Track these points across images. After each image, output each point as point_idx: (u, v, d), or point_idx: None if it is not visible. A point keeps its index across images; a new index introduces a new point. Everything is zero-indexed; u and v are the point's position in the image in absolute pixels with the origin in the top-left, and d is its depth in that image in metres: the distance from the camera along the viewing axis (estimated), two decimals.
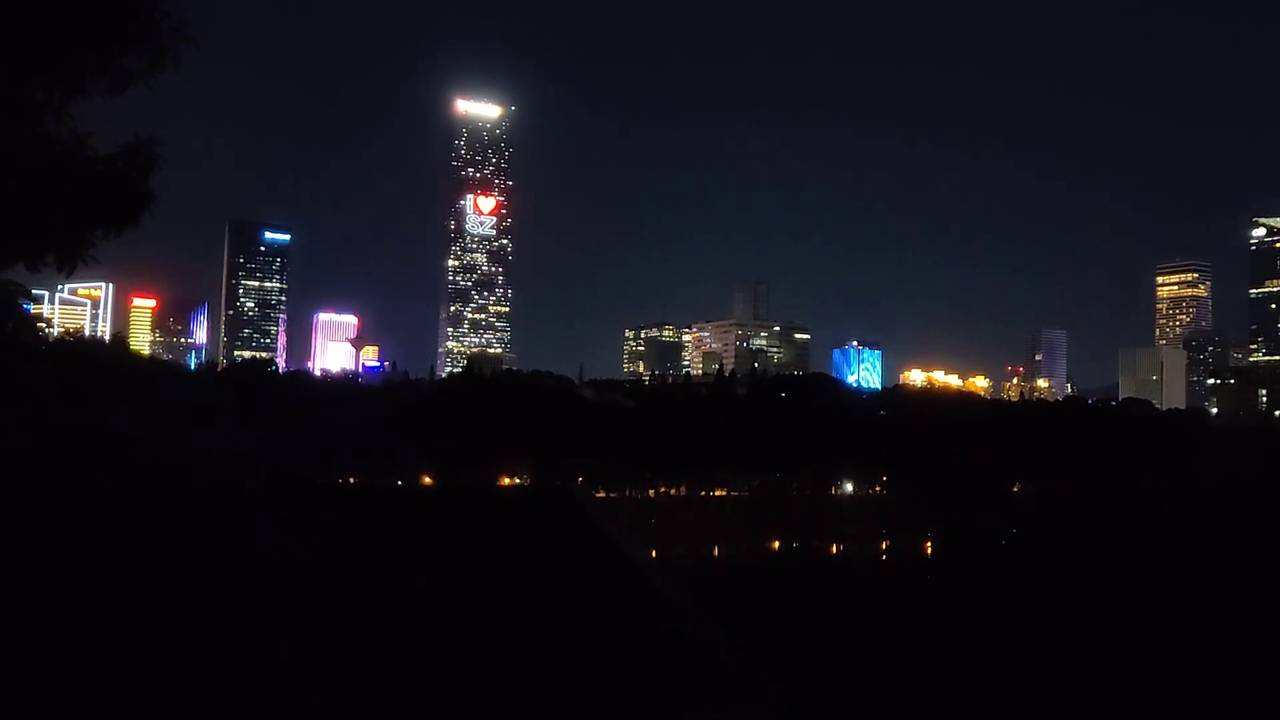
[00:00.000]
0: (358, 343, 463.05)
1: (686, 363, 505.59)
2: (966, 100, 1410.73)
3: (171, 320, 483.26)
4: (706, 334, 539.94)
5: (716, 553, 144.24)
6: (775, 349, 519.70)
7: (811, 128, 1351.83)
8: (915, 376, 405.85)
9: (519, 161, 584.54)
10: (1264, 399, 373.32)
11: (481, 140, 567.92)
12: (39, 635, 11.96)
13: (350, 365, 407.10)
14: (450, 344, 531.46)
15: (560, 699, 12.54)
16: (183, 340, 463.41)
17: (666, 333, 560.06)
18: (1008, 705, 50.17)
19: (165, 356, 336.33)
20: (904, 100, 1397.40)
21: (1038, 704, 50.34)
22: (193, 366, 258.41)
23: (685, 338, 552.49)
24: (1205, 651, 56.67)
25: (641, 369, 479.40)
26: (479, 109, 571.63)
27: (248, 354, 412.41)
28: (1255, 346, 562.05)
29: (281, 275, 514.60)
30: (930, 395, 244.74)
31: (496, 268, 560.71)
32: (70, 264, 10.73)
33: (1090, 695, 52.44)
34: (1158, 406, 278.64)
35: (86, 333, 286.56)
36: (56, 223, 10.36)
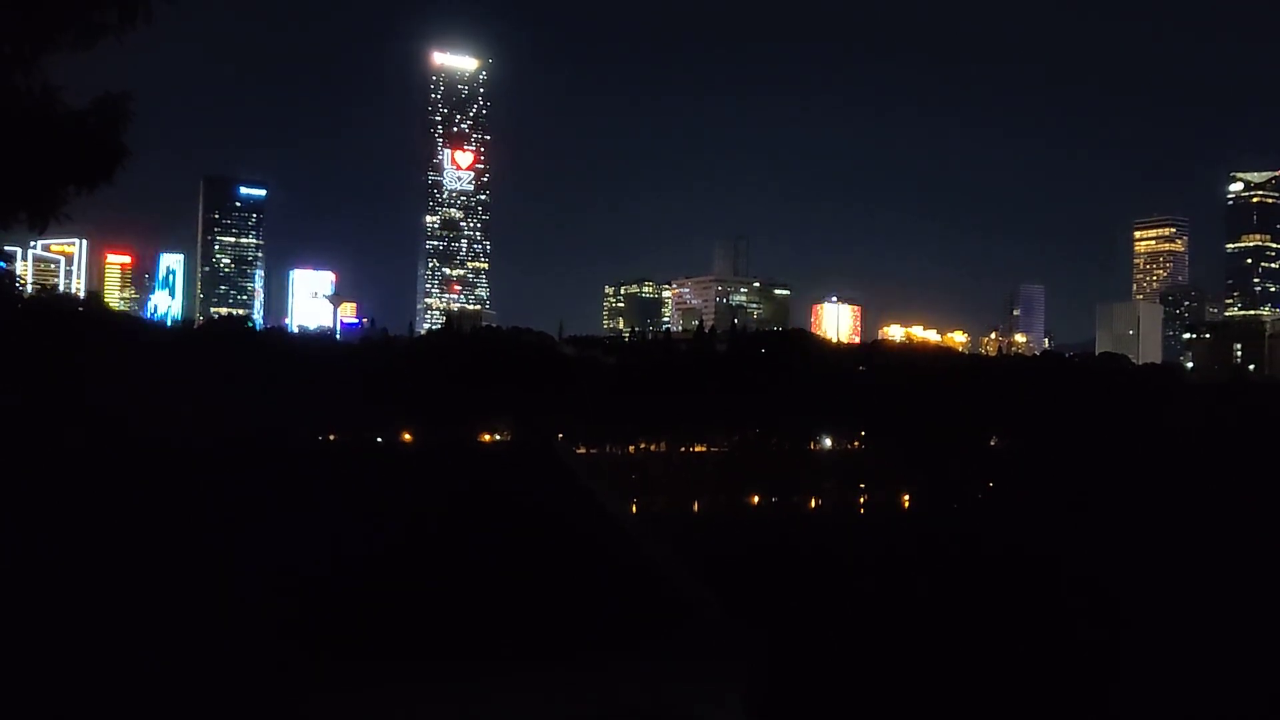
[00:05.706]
0: (335, 299, 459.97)
1: (666, 319, 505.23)
2: (946, 57, 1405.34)
3: (147, 277, 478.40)
4: (686, 290, 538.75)
5: (696, 507, 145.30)
6: (755, 305, 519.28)
7: (792, 84, 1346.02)
8: (894, 332, 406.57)
9: (497, 116, 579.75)
10: (1239, 353, 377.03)
11: (458, 94, 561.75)
12: (16, 599, 11.99)
13: (328, 322, 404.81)
14: (429, 300, 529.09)
15: (538, 653, 12.68)
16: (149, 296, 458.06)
17: (646, 289, 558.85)
18: (979, 650, 50.97)
19: (156, 314, 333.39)
20: (883, 57, 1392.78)
21: (1009, 649, 51.15)
22: (168, 323, 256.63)
23: (665, 294, 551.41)
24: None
25: (621, 325, 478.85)
26: (456, 61, 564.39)
27: (224, 311, 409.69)
28: (1231, 301, 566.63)
29: (257, 231, 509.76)
30: (909, 350, 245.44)
31: (475, 223, 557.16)
32: (42, 221, 10.63)
33: (1070, 645, 53.26)
34: (1134, 361, 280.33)
35: (60, 290, 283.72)
36: (27, 179, 10.25)
